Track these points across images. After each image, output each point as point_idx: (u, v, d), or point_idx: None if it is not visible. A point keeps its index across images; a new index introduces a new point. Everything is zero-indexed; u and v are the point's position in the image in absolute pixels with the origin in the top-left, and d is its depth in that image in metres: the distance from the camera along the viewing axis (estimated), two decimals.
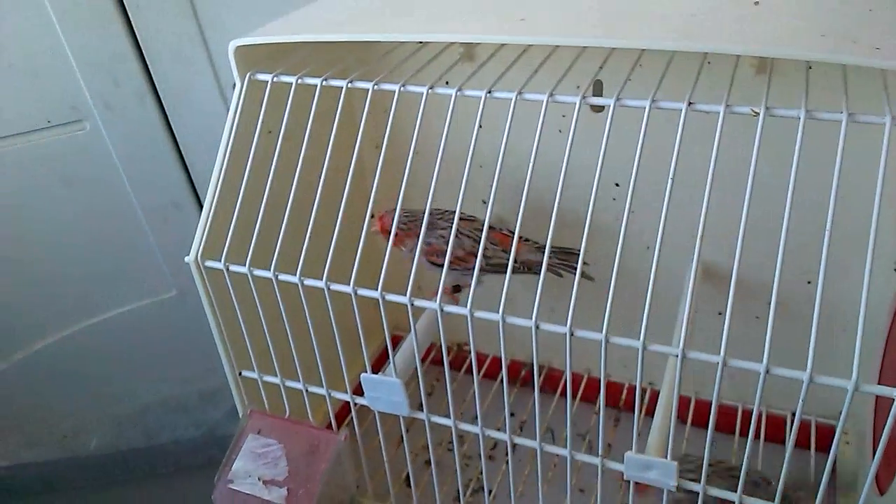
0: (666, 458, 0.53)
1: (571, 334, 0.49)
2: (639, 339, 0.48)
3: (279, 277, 0.58)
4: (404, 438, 0.66)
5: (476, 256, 0.53)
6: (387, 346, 0.59)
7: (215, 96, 0.92)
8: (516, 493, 0.71)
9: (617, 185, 0.76)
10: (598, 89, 0.69)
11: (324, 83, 0.60)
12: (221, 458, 0.71)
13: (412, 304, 0.54)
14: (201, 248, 0.62)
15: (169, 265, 1.04)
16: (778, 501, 0.51)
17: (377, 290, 0.55)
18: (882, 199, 0.44)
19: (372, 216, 0.59)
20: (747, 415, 0.79)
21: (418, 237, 0.61)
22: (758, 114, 0.48)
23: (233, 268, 0.60)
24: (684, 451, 0.74)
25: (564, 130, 0.70)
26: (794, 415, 0.76)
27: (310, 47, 0.64)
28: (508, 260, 0.51)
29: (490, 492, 0.78)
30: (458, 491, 0.66)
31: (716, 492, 0.53)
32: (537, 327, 0.50)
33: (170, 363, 1.09)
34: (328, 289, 0.57)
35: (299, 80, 0.61)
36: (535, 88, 0.53)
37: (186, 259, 0.62)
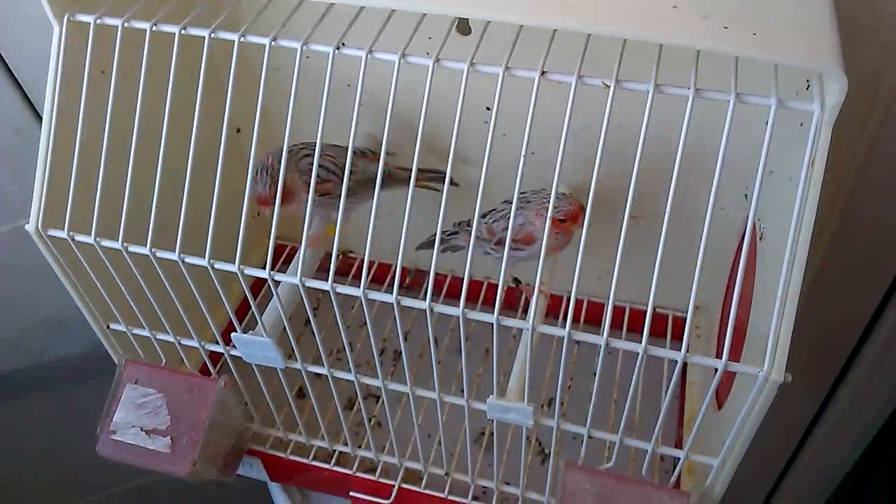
0: (524, 402, 0.57)
1: (432, 311, 0.51)
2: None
3: (129, 249, 0.56)
4: (283, 381, 0.67)
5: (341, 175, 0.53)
6: (268, 294, 0.59)
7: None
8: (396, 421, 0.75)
9: (487, 108, 0.74)
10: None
11: (154, 28, 0.54)
12: (112, 368, 0.69)
13: (272, 279, 0.54)
14: (41, 216, 0.57)
15: (23, 192, 0.96)
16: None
17: (235, 263, 0.54)
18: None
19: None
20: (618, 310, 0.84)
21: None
22: (608, 86, 0.47)
23: (78, 237, 0.57)
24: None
25: (432, 53, 0.67)
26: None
27: None
28: (377, 172, 0.52)
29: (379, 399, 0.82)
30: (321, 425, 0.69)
31: None
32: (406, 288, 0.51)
33: (44, 284, 1.04)
34: (182, 262, 0.55)
35: (126, 24, 0.54)
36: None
37: (27, 227, 0.58)
